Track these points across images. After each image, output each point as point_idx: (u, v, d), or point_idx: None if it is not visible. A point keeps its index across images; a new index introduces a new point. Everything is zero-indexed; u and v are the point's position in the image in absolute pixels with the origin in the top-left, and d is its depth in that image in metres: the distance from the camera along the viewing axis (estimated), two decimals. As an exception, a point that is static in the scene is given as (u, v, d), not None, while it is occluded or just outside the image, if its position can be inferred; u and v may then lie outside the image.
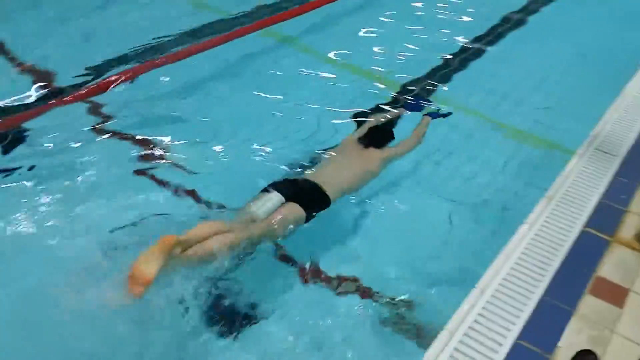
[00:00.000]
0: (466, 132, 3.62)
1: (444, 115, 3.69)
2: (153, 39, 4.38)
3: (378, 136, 3.23)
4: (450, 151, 3.42)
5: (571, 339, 1.92)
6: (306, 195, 2.68)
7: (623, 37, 4.92)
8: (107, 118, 3.45)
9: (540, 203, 2.56)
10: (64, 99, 3.58)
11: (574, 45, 4.82)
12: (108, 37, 4.46)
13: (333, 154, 3.16)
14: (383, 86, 4.05)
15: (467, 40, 4.81)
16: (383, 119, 3.55)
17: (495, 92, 4.02)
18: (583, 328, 1.97)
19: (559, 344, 1.90)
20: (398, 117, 3.68)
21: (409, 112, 3.70)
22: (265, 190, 2.63)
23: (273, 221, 2.52)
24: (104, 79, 3.78)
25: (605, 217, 2.47)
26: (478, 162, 3.31)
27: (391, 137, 3.27)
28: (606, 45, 4.81)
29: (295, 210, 2.59)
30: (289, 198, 2.61)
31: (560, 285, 2.13)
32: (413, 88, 4.05)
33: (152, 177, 2.99)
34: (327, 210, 2.71)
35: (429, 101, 3.88)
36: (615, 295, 2.10)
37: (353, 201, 2.90)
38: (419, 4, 5.49)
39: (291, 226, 2.58)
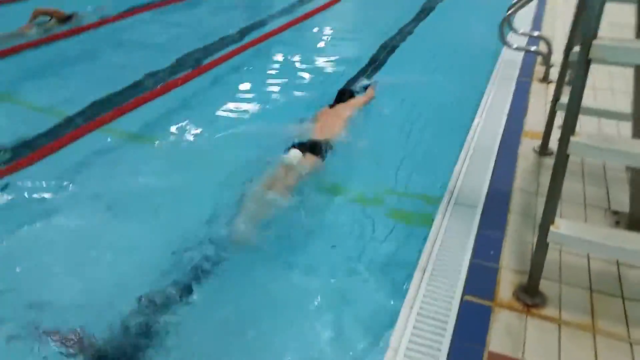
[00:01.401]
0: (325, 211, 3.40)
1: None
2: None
3: (339, 96, 4.63)
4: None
5: None
6: (315, 146, 3.67)
7: (458, 82, 5.21)
8: None
9: (414, 277, 2.40)
10: None
11: (415, 97, 4.99)
12: None
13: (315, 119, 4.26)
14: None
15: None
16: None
17: (352, 162, 3.90)
18: (487, 421, 1.76)
19: None
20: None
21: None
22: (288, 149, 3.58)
23: (303, 166, 3.49)
24: None
25: (481, 280, 2.36)
26: (343, 243, 3.07)
27: (349, 93, 4.69)
28: (447, 92, 5.03)
29: (313, 158, 3.59)
30: (305, 151, 3.58)
31: (454, 373, 1.94)
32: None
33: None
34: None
35: None
36: (510, 370, 1.94)
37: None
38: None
39: (309, 169, 3.52)
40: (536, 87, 4.58)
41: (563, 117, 2.00)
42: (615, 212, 2.80)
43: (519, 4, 4.89)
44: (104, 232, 3.16)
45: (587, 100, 2.08)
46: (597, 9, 1.82)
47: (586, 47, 1.85)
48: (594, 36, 1.84)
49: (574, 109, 1.92)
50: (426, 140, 4.09)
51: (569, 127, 1.93)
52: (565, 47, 2.98)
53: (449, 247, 2.58)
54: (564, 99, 3.19)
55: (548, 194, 2.03)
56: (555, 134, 3.44)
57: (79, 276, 2.78)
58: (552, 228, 2.04)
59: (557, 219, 2.06)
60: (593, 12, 1.83)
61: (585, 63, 1.87)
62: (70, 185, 3.58)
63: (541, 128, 3.78)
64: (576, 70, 1.89)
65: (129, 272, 2.80)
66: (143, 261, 2.89)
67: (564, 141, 1.95)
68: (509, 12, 4.76)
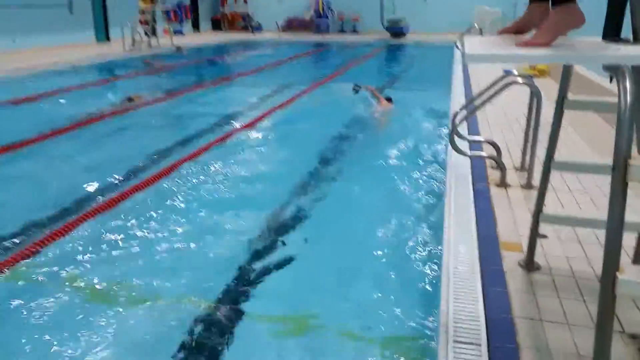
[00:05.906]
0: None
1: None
2: None
3: None
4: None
5: None
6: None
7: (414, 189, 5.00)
8: None
9: None
10: None
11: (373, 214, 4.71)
12: None
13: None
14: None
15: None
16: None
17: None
18: None
19: None
20: None
21: None
22: None
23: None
24: None
25: None
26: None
27: None
28: (404, 202, 4.78)
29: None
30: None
31: None
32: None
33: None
34: None
35: None
36: None
37: None
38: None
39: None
40: (496, 193, 4.41)
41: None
42: (634, 337, 2.46)
43: (463, 116, 4.87)
44: None
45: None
46: (626, 132, 1.58)
47: (621, 168, 1.57)
48: (629, 156, 1.57)
49: (615, 241, 1.60)
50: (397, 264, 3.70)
51: (613, 264, 1.60)
52: (545, 157, 2.79)
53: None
54: (546, 209, 2.98)
55: (596, 344, 1.65)
56: (538, 246, 3.21)
57: None
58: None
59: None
60: (623, 135, 1.58)
61: (622, 185, 1.59)
62: None
63: (517, 238, 3.54)
64: (612, 194, 1.60)
65: None
66: None
67: (608, 280, 1.60)
68: (456, 123, 4.71)
